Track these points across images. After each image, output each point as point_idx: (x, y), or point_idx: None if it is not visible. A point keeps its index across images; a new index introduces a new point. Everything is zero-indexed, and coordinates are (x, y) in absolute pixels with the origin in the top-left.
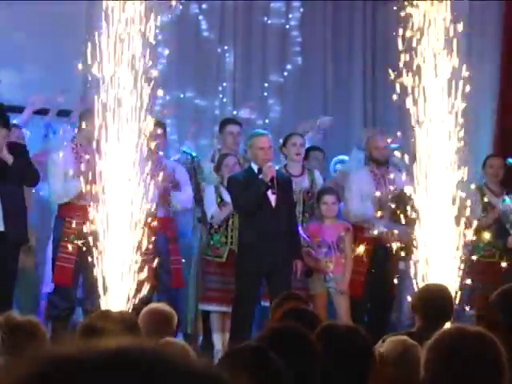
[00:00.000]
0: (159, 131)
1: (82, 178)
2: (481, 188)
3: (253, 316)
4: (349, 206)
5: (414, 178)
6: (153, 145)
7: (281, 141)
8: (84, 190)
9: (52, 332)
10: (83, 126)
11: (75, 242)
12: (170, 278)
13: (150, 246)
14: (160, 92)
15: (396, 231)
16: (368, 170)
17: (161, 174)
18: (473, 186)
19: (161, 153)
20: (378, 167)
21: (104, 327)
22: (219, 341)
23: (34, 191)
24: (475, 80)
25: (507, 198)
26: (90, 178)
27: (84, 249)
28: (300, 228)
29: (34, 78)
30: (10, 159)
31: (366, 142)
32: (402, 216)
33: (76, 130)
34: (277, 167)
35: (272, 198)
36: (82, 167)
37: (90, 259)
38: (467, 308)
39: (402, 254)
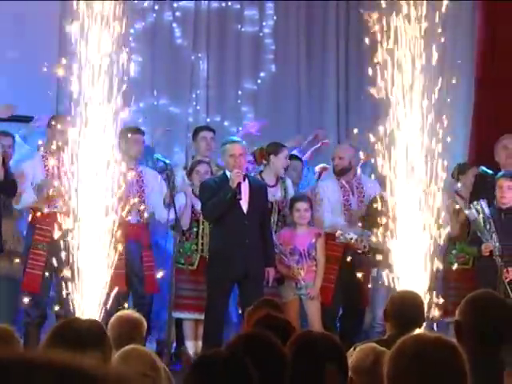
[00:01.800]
0: (137, 137)
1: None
2: (452, 196)
3: (223, 323)
4: (319, 215)
5: (384, 184)
6: (133, 151)
7: (255, 148)
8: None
9: (24, 340)
10: (53, 130)
11: (45, 249)
12: (143, 284)
13: (122, 252)
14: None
15: (367, 238)
16: (335, 179)
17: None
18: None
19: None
20: (341, 176)
21: (70, 336)
22: (192, 349)
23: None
24: (450, 90)
25: (475, 206)
26: (59, 184)
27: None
28: (274, 235)
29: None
30: None
31: None
32: (373, 223)
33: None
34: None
35: (244, 204)
36: (50, 175)
37: (60, 265)
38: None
39: (374, 260)
